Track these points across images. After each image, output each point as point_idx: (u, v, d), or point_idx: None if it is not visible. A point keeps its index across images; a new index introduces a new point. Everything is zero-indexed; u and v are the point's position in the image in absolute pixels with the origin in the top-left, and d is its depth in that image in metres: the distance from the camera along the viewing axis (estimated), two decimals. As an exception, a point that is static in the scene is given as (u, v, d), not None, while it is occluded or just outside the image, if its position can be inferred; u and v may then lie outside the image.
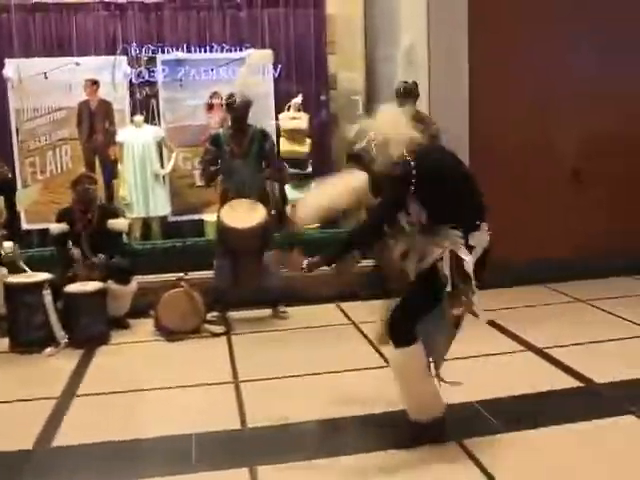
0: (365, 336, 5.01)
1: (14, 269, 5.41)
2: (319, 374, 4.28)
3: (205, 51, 7.69)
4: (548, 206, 6.38)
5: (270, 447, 3.37)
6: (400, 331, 3.18)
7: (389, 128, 3.14)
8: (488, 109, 6.03)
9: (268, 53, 5.82)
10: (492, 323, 4.98)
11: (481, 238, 3.13)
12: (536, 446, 3.24)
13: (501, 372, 3.50)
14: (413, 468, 3.09)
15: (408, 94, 5.48)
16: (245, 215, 5.19)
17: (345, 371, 4.34)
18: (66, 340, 5.03)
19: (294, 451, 3.32)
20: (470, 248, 3.09)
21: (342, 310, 5.71)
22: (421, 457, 3.16)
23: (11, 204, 5.59)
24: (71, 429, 3.66)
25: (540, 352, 4.54)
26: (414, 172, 3.04)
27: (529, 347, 4.65)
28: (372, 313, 5.46)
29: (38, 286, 5.02)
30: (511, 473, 2.99)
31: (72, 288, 5.13)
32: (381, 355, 4.56)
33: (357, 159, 3.22)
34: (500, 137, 6.14)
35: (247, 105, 5.37)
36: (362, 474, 3.07)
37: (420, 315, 3.19)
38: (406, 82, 5.53)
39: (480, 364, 4.32)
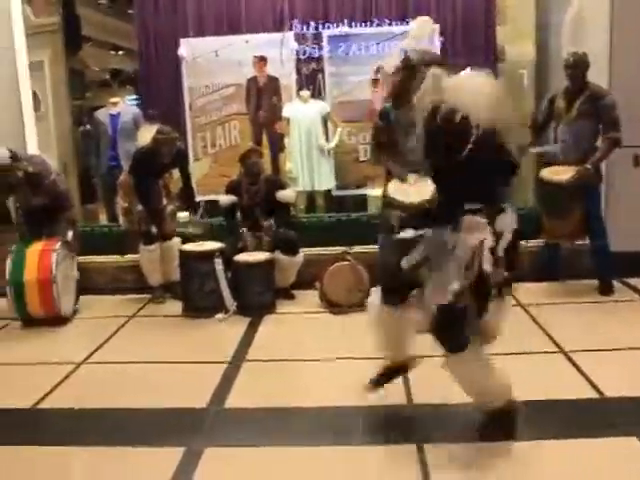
0: (532, 318, 4.81)
1: (189, 238, 5.69)
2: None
3: (370, 25, 7.65)
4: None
5: (436, 426, 3.33)
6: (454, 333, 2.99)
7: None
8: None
9: (428, 20, 5.51)
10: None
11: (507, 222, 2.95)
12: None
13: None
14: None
15: (577, 65, 5.14)
16: (414, 190, 5.08)
17: (509, 354, 4.16)
18: (235, 307, 5.21)
19: (461, 431, 3.26)
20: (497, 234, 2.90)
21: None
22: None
23: (186, 175, 5.82)
24: (241, 392, 3.80)
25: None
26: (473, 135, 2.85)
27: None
28: (539, 294, 5.31)
29: (210, 255, 5.23)
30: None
31: (241, 258, 5.29)
32: (550, 338, 4.37)
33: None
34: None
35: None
36: (531, 459, 2.97)
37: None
38: (575, 52, 5.19)
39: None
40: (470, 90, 2.90)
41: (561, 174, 5.08)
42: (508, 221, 2.98)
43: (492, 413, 3.14)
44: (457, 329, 2.98)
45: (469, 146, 2.89)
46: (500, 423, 3.13)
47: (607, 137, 5.11)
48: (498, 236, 2.93)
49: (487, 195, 2.97)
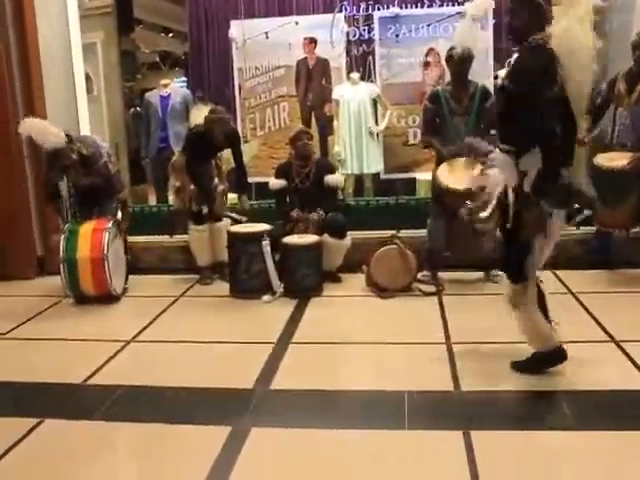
0: (583, 306, 4.71)
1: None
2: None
3: (421, 7, 7.55)
4: None
5: (483, 413, 3.28)
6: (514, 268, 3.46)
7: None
8: None
9: (489, 1, 5.35)
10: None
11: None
12: None
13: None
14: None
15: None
16: (463, 175, 5.01)
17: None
18: (281, 289, 5.23)
19: (508, 419, 3.23)
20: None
21: (558, 278, 5.38)
22: None
23: (239, 156, 5.82)
24: (287, 374, 3.81)
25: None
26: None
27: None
28: (590, 283, 5.20)
29: (258, 236, 5.24)
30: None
31: (289, 240, 5.29)
32: (601, 327, 4.28)
33: None
34: None
35: (467, 59, 5.11)
36: (579, 450, 2.92)
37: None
38: (645, 32, 5.02)
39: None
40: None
41: (617, 160, 4.94)
42: (531, 161, 3.22)
43: (538, 354, 3.58)
44: (518, 263, 3.41)
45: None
46: (538, 362, 3.59)
47: None
48: (523, 175, 3.25)
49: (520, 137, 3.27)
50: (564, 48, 3.12)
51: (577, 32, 3.13)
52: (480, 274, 5.47)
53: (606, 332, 4.20)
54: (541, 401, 3.39)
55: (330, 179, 5.57)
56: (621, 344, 3.99)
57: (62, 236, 5.24)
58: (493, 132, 5.14)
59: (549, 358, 3.58)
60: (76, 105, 6.39)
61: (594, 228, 5.54)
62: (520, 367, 3.64)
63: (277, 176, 5.66)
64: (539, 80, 3.16)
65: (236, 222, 5.61)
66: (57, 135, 5.08)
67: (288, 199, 5.63)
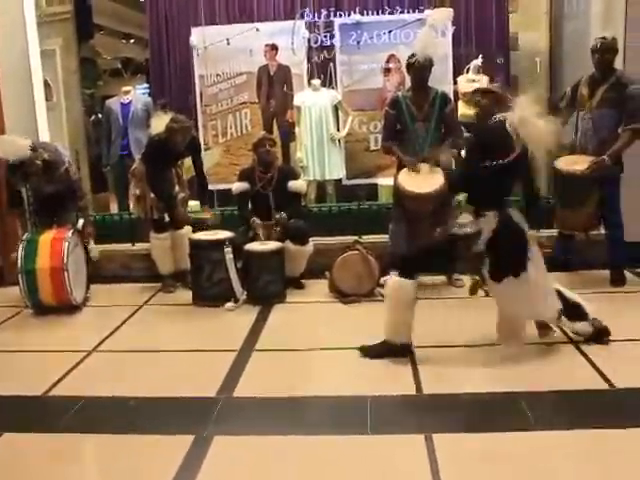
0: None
1: (199, 227, 5.69)
2: (495, 345, 4.13)
3: (382, 14, 7.62)
4: None
5: (445, 415, 3.31)
6: (409, 265, 3.98)
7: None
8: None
9: (449, 11, 5.46)
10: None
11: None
12: None
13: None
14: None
15: (605, 50, 5.06)
16: (424, 180, 5.06)
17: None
18: (244, 296, 5.21)
19: (470, 421, 3.25)
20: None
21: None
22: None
23: (199, 165, 5.80)
24: (250, 381, 3.80)
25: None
26: None
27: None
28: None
29: (220, 244, 5.21)
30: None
31: (252, 247, 5.28)
32: (560, 328, 4.35)
33: None
34: None
35: (428, 66, 5.17)
36: (541, 450, 2.95)
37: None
38: (604, 38, 5.09)
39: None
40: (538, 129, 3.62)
41: (577, 164, 5.00)
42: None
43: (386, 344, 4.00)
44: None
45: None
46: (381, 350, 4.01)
47: (628, 128, 4.97)
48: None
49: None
50: (520, 120, 3.63)
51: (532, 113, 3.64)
52: (442, 278, 5.52)
53: (565, 333, 4.26)
54: (502, 403, 3.41)
55: (293, 184, 5.57)
56: (579, 345, 4.07)
57: (20, 246, 5.16)
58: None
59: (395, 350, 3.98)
60: (35, 112, 6.30)
61: (556, 230, 5.63)
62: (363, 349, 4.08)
63: (240, 180, 5.65)
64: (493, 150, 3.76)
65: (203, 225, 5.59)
66: (23, 147, 5.01)
67: (250, 205, 5.63)
